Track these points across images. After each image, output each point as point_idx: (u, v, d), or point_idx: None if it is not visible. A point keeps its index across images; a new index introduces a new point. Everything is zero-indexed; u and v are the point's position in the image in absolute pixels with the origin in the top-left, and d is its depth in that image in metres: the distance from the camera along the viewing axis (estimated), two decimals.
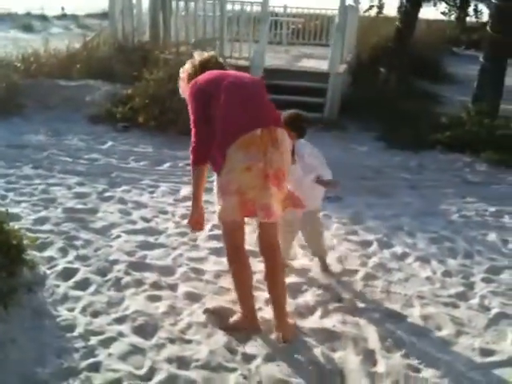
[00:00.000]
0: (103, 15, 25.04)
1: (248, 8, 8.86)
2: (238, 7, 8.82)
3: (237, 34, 8.86)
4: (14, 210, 3.86)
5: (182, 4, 8.35)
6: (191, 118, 2.58)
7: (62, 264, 3.26)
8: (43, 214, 3.98)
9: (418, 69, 9.78)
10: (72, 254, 3.39)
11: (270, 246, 2.72)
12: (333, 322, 2.87)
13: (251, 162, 2.44)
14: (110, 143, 5.87)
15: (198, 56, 2.84)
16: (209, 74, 2.64)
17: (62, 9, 29.70)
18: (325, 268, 3.40)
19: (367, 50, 10.37)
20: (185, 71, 2.82)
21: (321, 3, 12.91)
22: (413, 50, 9.74)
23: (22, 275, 2.97)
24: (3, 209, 3.50)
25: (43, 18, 27.35)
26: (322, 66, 8.03)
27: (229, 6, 8.43)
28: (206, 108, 2.53)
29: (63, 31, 20.16)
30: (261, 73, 7.38)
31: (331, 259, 3.53)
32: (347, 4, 8.12)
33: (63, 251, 3.43)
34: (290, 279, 3.23)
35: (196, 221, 2.70)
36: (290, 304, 2.95)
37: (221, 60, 2.94)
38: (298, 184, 2.98)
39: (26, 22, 23.23)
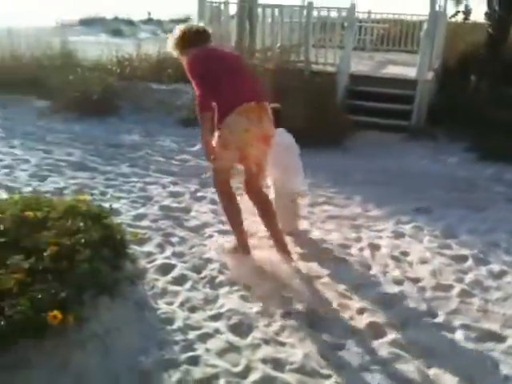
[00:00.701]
0: (186, 21, 25.91)
1: (334, 14, 8.84)
2: (323, 13, 8.82)
3: (322, 40, 8.87)
4: (114, 205, 4.10)
5: (268, 10, 8.47)
6: (194, 81, 3.13)
7: (160, 259, 3.42)
8: (141, 210, 4.18)
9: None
10: (169, 250, 3.55)
11: (258, 190, 3.45)
12: (427, 337, 2.82)
13: (250, 125, 3.12)
14: (199, 146, 6.05)
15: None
16: (205, 49, 3.30)
17: (149, 14, 31.09)
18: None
19: (455, 57, 10.03)
20: (176, 34, 3.36)
21: (406, 9, 12.66)
22: (506, 56, 9.31)
23: (125, 268, 3.12)
24: (106, 204, 3.73)
25: (130, 22, 28.77)
26: (408, 72, 7.87)
27: (315, 13, 8.45)
28: (205, 74, 3.12)
29: (150, 36, 21.06)
30: (347, 79, 7.35)
31: (424, 272, 3.46)
32: (437, 10, 7.92)
33: (161, 247, 3.59)
34: (382, 290, 3.21)
35: (209, 156, 3.23)
36: (382, 315, 2.94)
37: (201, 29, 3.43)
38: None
39: (115, 27, 24.54)
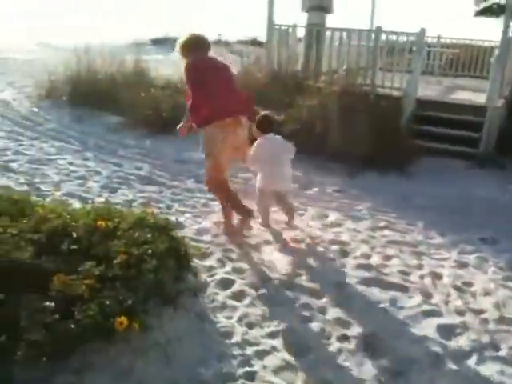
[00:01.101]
0: (252, 42, 26.50)
1: (402, 38, 8.78)
2: (392, 37, 8.77)
3: (390, 63, 8.82)
4: (179, 219, 4.26)
5: (336, 34, 8.54)
6: (188, 84, 3.92)
7: (220, 274, 3.51)
8: (203, 225, 4.31)
9: None
10: (229, 266, 3.63)
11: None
12: (490, 371, 2.73)
13: (225, 135, 3.87)
14: None
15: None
16: (204, 60, 4.01)
17: (219, 35, 32.04)
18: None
19: None
20: (181, 43, 4.07)
21: (476, 34, 12.38)
22: None
23: (187, 281, 3.23)
24: (172, 218, 3.87)
25: None
26: (477, 98, 7.67)
27: (383, 36, 8.42)
28: (198, 82, 3.86)
29: (217, 56, 21.64)
30: (413, 103, 7.27)
31: (487, 304, 3.36)
32: (509, 36, 7.70)
33: (221, 262, 3.68)
34: (443, 320, 3.15)
35: (181, 129, 4.26)
36: (443, 345, 2.90)
37: (203, 38, 4.11)
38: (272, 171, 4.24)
39: None
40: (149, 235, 3.24)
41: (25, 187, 4.73)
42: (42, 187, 4.84)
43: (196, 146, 4.18)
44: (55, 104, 8.45)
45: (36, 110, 8.15)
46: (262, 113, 4.38)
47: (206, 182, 4.21)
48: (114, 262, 2.87)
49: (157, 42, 27.15)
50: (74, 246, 3.08)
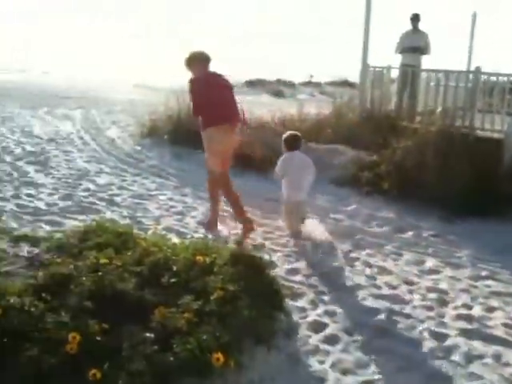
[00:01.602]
0: (342, 83, 26.69)
1: (502, 79, 8.44)
2: (492, 78, 8.46)
3: (489, 104, 8.48)
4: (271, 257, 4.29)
5: (432, 74, 8.39)
6: (190, 94, 4.88)
7: (312, 316, 3.47)
8: (295, 265, 4.31)
9: None
10: (321, 308, 3.59)
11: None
12: None
13: (224, 139, 4.74)
14: (354, 206, 6.11)
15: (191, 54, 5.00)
16: (206, 75, 4.89)
17: (311, 76, 32.68)
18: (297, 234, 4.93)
19: None
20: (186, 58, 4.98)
21: None
22: None
23: (280, 321, 3.23)
24: (266, 256, 3.92)
25: (291, 84, 30.43)
26: None
27: (482, 77, 8.15)
28: (198, 94, 4.80)
29: (308, 97, 22.01)
30: None
31: None
32: None
33: (313, 304, 3.64)
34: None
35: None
36: None
37: (202, 55, 5.00)
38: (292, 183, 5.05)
39: (276, 88, 26.09)
40: (243, 272, 3.31)
41: (127, 220, 5.00)
42: (144, 221, 5.10)
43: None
44: (156, 142, 8.96)
45: (138, 147, 8.68)
46: (289, 132, 5.31)
47: (210, 180, 5.08)
48: (211, 297, 2.95)
49: (250, 84, 28.19)
50: (174, 279, 3.20)
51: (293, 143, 5.11)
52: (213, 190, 5.08)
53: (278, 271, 4.11)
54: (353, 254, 4.64)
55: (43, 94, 17.84)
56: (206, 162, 5.12)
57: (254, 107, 11.88)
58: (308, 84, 32.46)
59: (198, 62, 4.94)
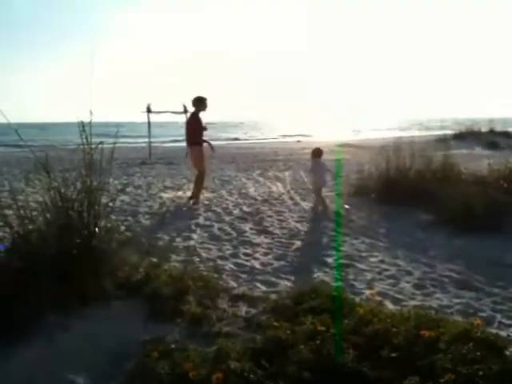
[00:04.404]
0: None
1: None
2: None
3: None
4: (502, 333, 3.69)
5: None
6: (193, 124, 9.44)
7: None
8: None
9: None
10: None
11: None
12: None
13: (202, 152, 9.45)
14: None
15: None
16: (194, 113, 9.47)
17: None
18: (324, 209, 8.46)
19: None
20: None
21: None
22: None
23: None
24: (502, 332, 3.38)
25: (506, 134, 27.87)
26: None
27: None
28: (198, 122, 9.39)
29: None
30: None
31: None
32: None
33: None
34: None
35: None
36: None
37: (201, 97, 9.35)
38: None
39: (490, 140, 24.09)
40: (477, 352, 2.87)
41: (339, 283, 4.88)
42: (356, 284, 4.91)
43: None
44: (364, 201, 8.84)
45: (347, 206, 8.64)
46: (315, 147, 8.97)
47: (201, 171, 9.29)
48: (441, 380, 2.60)
49: (459, 137, 26.60)
50: (395, 354, 2.93)
51: (316, 154, 8.66)
52: (199, 180, 9.31)
53: None
54: None
55: (256, 157, 19.38)
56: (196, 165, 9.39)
57: (468, 161, 11.09)
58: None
59: (199, 104, 9.19)
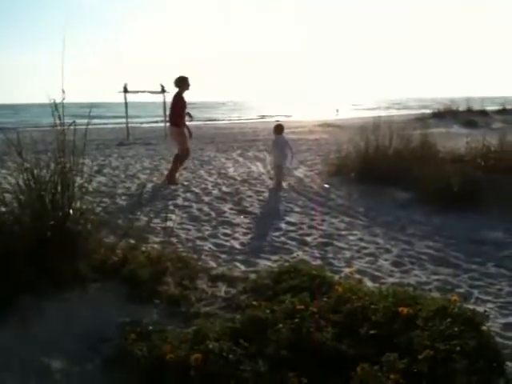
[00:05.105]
0: None
1: None
2: None
3: None
4: (478, 309, 3.72)
5: None
6: (175, 106, 9.09)
7: None
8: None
9: None
10: None
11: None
12: None
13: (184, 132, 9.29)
14: None
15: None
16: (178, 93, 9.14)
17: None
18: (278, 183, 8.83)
19: None
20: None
21: None
22: None
23: None
24: (477, 308, 3.41)
25: (483, 113, 28.15)
26: None
27: None
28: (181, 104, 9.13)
29: (503, 125, 20.00)
30: None
31: None
32: None
33: None
34: None
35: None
36: None
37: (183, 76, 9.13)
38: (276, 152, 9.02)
39: (468, 118, 24.31)
40: (455, 328, 2.88)
41: (319, 261, 4.88)
42: (335, 262, 4.92)
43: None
44: (343, 180, 8.85)
45: (326, 185, 8.64)
46: (277, 122, 9.80)
47: (182, 149, 9.22)
48: (419, 356, 2.60)
49: (437, 116, 26.76)
50: (373, 332, 2.93)
51: (278, 130, 9.06)
52: (178, 159, 9.25)
53: (491, 326, 3.52)
54: None
55: (235, 137, 19.26)
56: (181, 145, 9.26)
57: (446, 139, 11.16)
58: (502, 112, 29.69)
59: (182, 83, 8.98)
